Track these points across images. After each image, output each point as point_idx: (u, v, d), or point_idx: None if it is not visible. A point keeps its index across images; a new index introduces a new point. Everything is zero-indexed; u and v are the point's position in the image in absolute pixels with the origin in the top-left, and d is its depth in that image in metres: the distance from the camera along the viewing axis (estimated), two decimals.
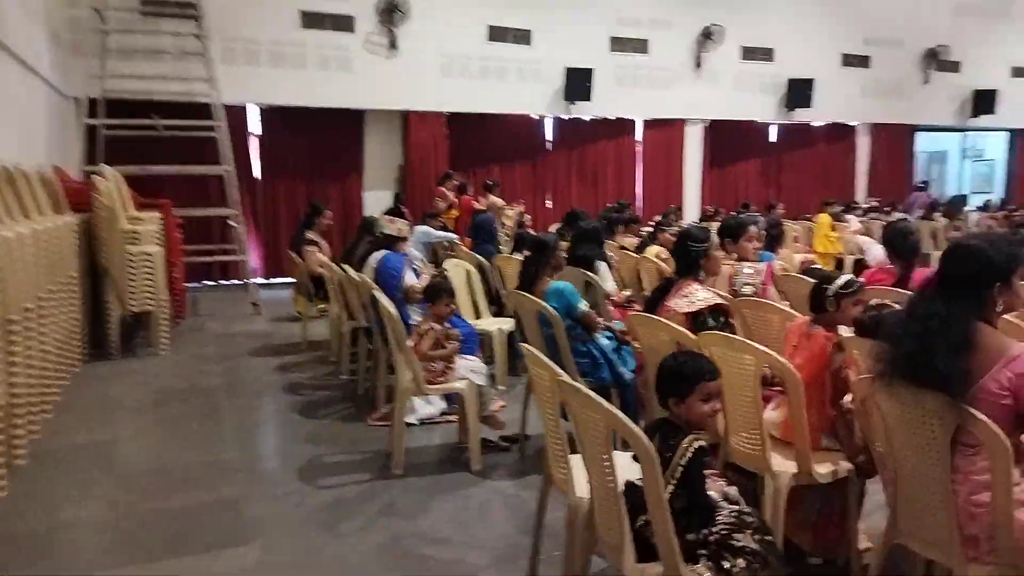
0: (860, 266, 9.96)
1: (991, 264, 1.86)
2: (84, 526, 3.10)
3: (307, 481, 3.53)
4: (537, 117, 11.40)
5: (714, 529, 1.83)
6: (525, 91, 10.98)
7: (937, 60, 13.49)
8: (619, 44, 11.47)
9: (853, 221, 10.05)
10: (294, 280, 7.23)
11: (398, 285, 4.30)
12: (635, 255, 5.78)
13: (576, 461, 2.10)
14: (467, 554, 2.81)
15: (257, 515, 3.18)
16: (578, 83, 10.86)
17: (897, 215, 11.34)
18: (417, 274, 4.57)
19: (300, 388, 5.18)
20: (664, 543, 1.72)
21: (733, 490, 2.01)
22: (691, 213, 11.86)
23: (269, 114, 10.16)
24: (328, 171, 10.46)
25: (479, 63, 10.70)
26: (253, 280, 8.82)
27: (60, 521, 3.12)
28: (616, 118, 11.75)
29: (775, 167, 13.17)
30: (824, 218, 9.47)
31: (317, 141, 10.32)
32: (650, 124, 12.03)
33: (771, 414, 2.61)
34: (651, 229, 7.38)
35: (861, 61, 13.14)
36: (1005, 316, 2.11)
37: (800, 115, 12.69)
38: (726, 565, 1.77)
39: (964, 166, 16.04)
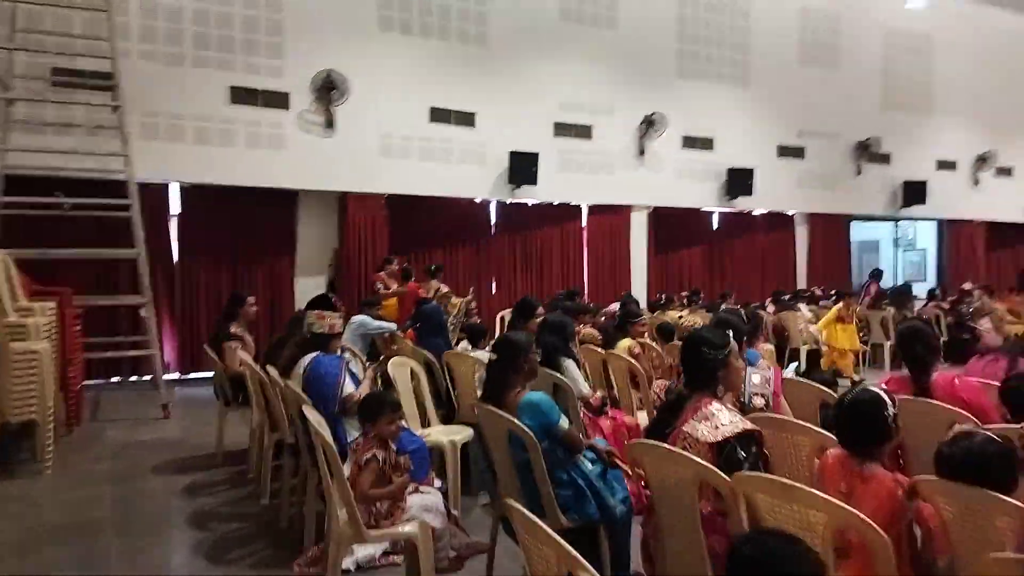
0: (814, 358, 9.76)
1: None
2: None
3: None
4: (480, 201, 10.98)
5: None
6: (468, 174, 10.59)
7: (868, 152, 13.89)
8: (563, 129, 11.29)
9: (804, 311, 9.84)
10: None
11: (333, 395, 3.57)
12: (599, 350, 5.21)
13: None
14: None
15: None
16: (523, 167, 10.55)
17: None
18: (357, 380, 3.84)
19: (210, 520, 4.27)
20: None
21: None
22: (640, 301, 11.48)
23: (192, 193, 9.40)
24: (256, 254, 9.67)
25: (420, 144, 10.28)
26: (164, 377, 7.81)
27: None
28: (561, 203, 11.44)
29: (718, 254, 13.07)
30: (833, 311, 9.23)
31: (244, 222, 9.58)
32: (595, 209, 11.77)
33: None
34: (607, 319, 6.89)
35: (796, 152, 13.38)
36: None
37: (740, 203, 12.70)
38: None
39: (896, 255, 16.40)
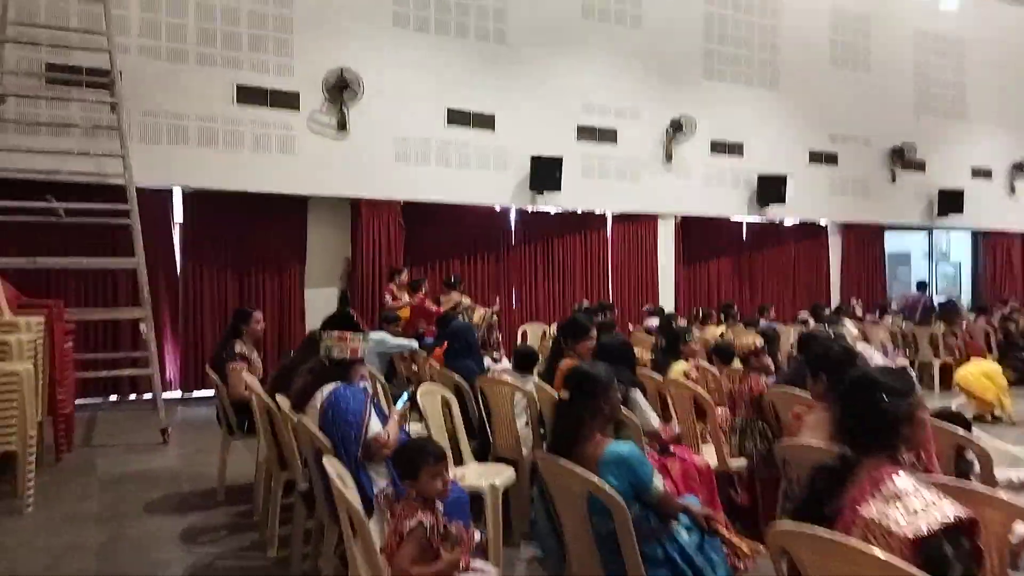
0: None
1: None
2: None
3: None
4: (500, 208, 10.38)
5: None
6: (488, 180, 10.00)
7: (903, 159, 13.25)
8: (586, 133, 10.69)
9: (850, 327, 9.17)
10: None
11: (357, 437, 2.94)
12: (655, 376, 4.57)
13: None
14: None
15: None
16: (546, 172, 9.94)
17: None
18: (383, 415, 3.21)
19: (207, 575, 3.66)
20: None
21: None
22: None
23: (196, 199, 8.82)
24: (264, 265, 9.08)
25: (437, 148, 9.70)
26: (165, 395, 7.20)
27: None
28: (585, 211, 10.83)
29: (748, 266, 12.43)
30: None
31: (252, 230, 9.00)
32: (620, 218, 11.16)
33: None
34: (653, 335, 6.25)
35: (829, 158, 12.75)
36: None
37: (771, 212, 12.07)
38: None
39: (929, 267, 15.72)
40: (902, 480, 1.66)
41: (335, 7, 9.13)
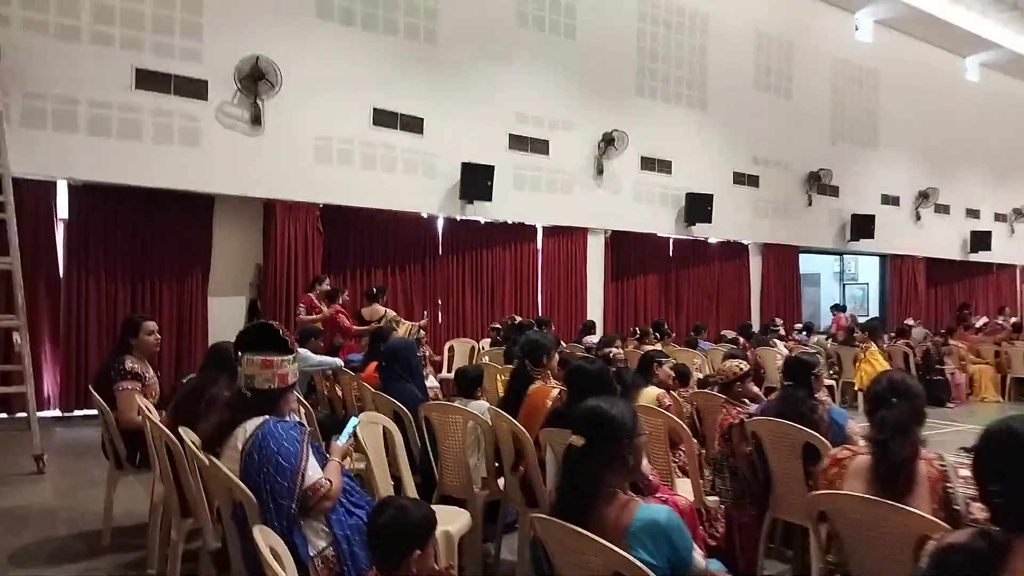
0: None
1: None
2: None
3: None
4: (427, 216, 9.80)
5: None
6: (415, 186, 9.41)
7: (819, 183, 13.57)
8: (518, 142, 10.29)
9: (780, 346, 9.12)
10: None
11: (291, 488, 2.32)
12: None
13: None
14: None
15: None
16: (476, 181, 9.46)
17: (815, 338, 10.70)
18: (321, 455, 2.59)
19: None
20: None
21: None
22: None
23: (84, 193, 7.80)
24: (162, 269, 8.14)
25: (362, 150, 9.04)
26: (40, 415, 6.21)
27: None
28: (515, 222, 10.41)
29: (674, 283, 12.33)
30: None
31: (148, 230, 8.06)
32: (551, 231, 10.80)
33: None
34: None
35: (752, 180, 12.88)
36: None
37: (699, 231, 12.03)
38: None
39: (839, 289, 16.21)
40: None
41: None
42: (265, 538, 1.87)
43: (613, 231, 11.34)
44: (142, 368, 4.17)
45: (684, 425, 3.68)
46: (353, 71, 8.99)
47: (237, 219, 8.63)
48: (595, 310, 11.12)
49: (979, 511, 1.88)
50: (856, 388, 9.21)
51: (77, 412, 7.62)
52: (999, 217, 17.05)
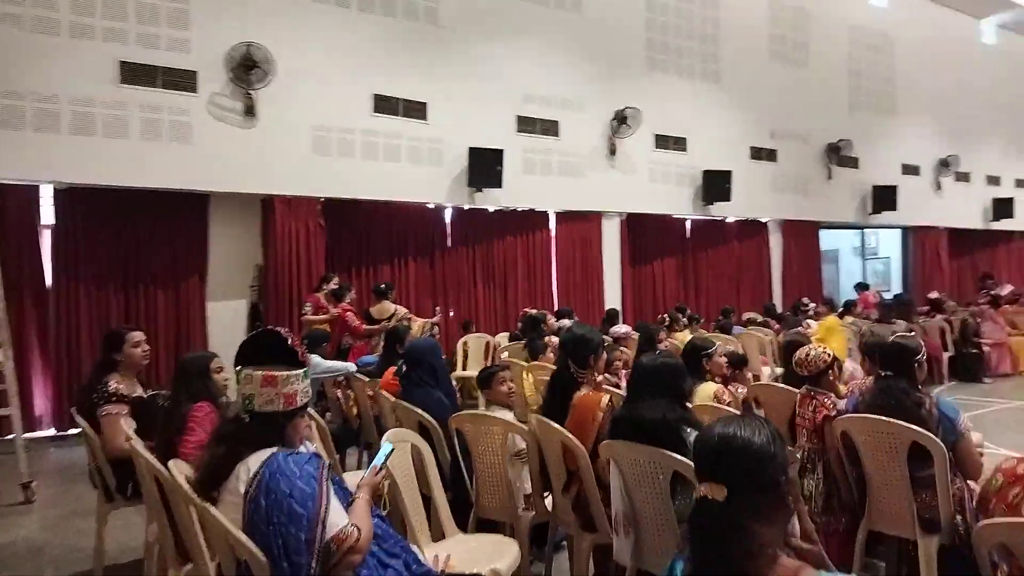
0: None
1: None
2: None
3: None
4: (434, 206, 9.29)
5: None
6: (420, 175, 8.90)
7: (839, 156, 13.01)
8: (527, 124, 9.76)
9: (814, 325, 8.59)
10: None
11: (309, 539, 1.83)
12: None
13: None
14: None
15: None
16: (485, 167, 8.94)
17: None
18: (346, 495, 2.09)
19: None
20: None
21: None
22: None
23: (70, 197, 7.31)
24: (156, 275, 7.65)
25: (363, 139, 8.52)
26: (30, 436, 5.75)
27: None
28: (526, 209, 9.89)
29: (691, 265, 11.81)
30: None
31: (140, 234, 7.58)
32: (563, 217, 10.28)
33: None
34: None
35: (769, 155, 12.33)
36: None
37: (716, 210, 11.50)
38: None
39: (858, 264, 15.66)
40: None
41: None
42: None
43: (629, 214, 10.82)
44: (129, 387, 3.68)
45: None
46: (351, 56, 8.47)
47: (234, 218, 8.13)
48: (613, 298, 10.62)
49: None
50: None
51: (72, 431, 7.14)
52: (1020, 183, 16.46)
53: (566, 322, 7.26)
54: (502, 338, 8.47)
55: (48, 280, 7.26)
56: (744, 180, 11.68)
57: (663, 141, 11.03)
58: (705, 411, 3.27)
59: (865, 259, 15.41)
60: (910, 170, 14.31)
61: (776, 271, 12.67)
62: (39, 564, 3.97)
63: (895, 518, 2.87)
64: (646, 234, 11.12)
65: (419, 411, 3.51)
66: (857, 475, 2.98)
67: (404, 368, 3.82)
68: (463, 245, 9.54)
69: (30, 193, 7.15)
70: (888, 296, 13.18)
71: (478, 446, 3.24)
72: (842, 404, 3.10)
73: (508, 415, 3.42)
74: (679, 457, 2.38)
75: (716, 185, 11.21)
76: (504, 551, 2.73)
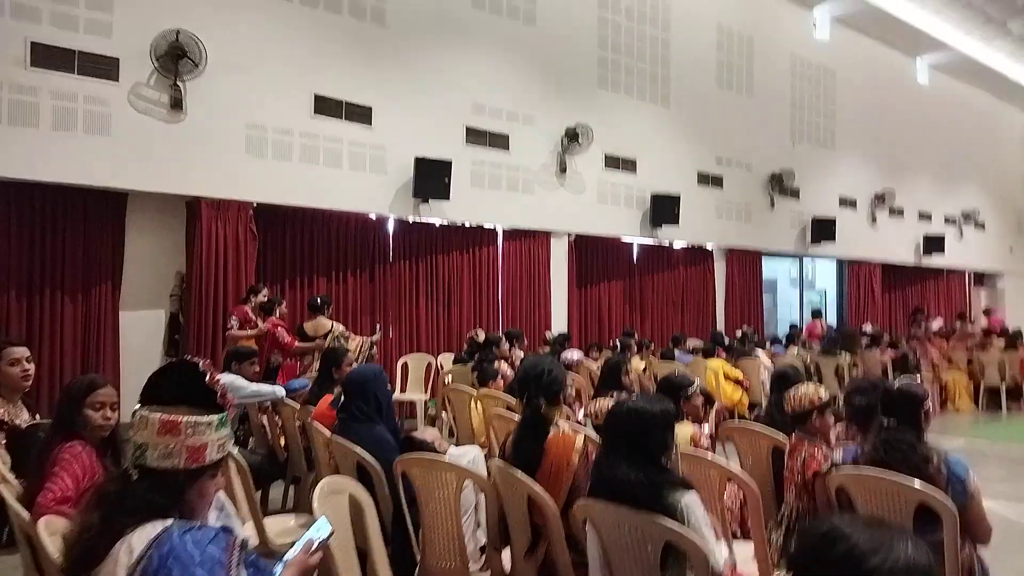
0: None
1: None
2: None
3: None
4: (376, 217, 8.79)
5: None
6: (362, 183, 8.40)
7: (781, 185, 13.12)
8: (476, 136, 9.39)
9: (763, 358, 8.47)
10: None
11: None
12: None
13: None
14: None
15: None
16: (432, 178, 8.51)
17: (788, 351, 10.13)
18: (263, 571, 1.63)
19: None
20: None
21: None
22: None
23: None
24: (64, 279, 6.89)
25: (302, 142, 7.98)
26: None
27: None
28: (473, 225, 9.49)
29: (638, 290, 11.62)
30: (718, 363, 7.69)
31: (47, 234, 6.82)
32: (511, 234, 9.92)
33: None
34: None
35: (716, 181, 12.31)
36: None
37: (663, 233, 11.36)
38: None
39: (795, 294, 15.85)
40: None
41: None
42: None
43: (577, 234, 10.55)
44: (9, 412, 3.08)
45: (745, 476, 2.82)
46: (291, 51, 7.94)
47: (155, 220, 7.45)
48: (560, 320, 10.30)
49: None
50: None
51: None
52: (949, 220, 17.04)
53: (519, 353, 6.86)
54: (445, 359, 8.01)
55: None
56: (691, 205, 11.59)
57: (613, 161, 10.84)
58: (686, 460, 2.91)
59: (802, 290, 15.58)
60: (847, 203, 14.59)
61: (720, 298, 12.62)
62: None
63: None
64: (594, 255, 10.88)
65: (358, 450, 3.03)
66: None
67: (342, 398, 3.34)
68: (406, 259, 9.05)
69: None
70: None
71: (427, 495, 2.79)
72: (838, 456, 2.79)
73: (469, 451, 2.98)
74: (674, 525, 2.00)
75: (664, 209, 11.07)
76: None
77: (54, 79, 6.62)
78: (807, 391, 3.02)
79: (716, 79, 12.42)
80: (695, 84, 12.01)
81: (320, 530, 1.79)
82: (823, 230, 13.59)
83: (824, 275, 15.98)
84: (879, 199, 15.05)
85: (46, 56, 6.58)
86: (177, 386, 1.73)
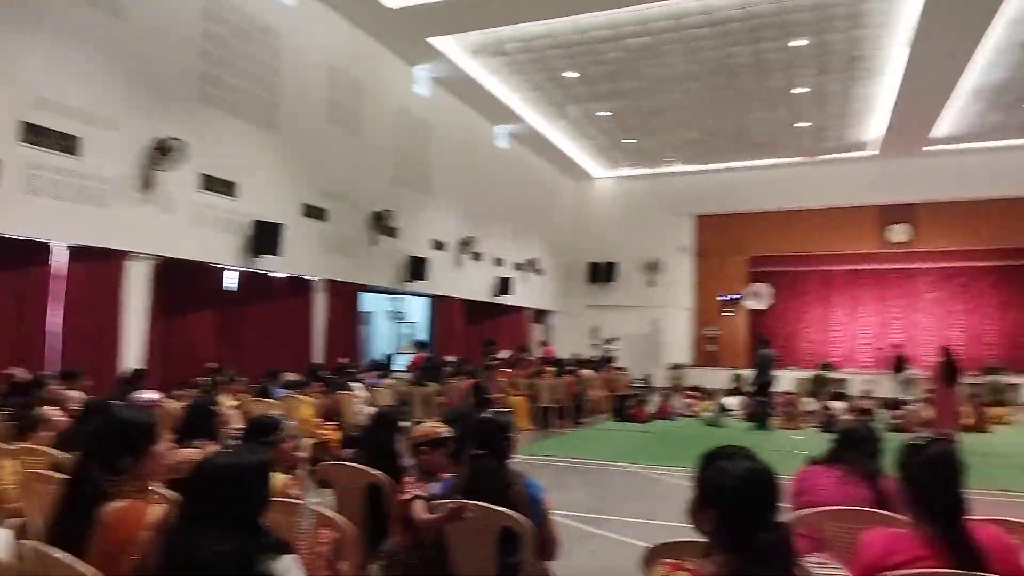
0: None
1: None
2: None
3: None
4: None
5: None
6: None
7: (381, 224, 13.71)
8: (36, 134, 7.85)
9: (359, 390, 8.60)
10: None
11: None
12: None
13: None
14: None
15: None
16: None
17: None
18: None
19: None
20: None
21: None
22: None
23: None
24: None
25: None
26: None
27: None
28: (24, 239, 7.85)
29: (234, 321, 10.90)
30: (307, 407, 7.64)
31: None
32: (78, 253, 8.45)
33: None
34: None
35: (320, 214, 12.31)
36: None
37: (264, 263, 10.90)
38: None
39: (390, 327, 16.64)
40: None
41: None
42: None
43: (165, 257, 9.47)
44: None
45: (339, 515, 2.71)
46: None
47: None
48: (134, 354, 9.05)
49: None
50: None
51: None
52: (517, 266, 19.75)
53: (75, 394, 5.72)
54: None
55: None
56: (295, 236, 11.36)
57: (211, 183, 10.06)
58: (276, 509, 2.70)
59: (397, 323, 16.44)
60: (438, 245, 15.89)
61: (319, 331, 12.55)
62: None
63: None
64: (184, 282, 9.88)
65: None
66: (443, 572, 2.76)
67: None
68: None
69: None
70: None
71: None
72: (438, 488, 2.87)
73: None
74: None
75: (267, 237, 10.64)
76: None
77: None
78: (426, 426, 3.08)
79: (326, 114, 12.49)
80: (305, 115, 11.91)
81: None
82: (417, 268, 14.56)
83: (416, 309, 17.09)
84: (464, 244, 16.73)
85: None
86: None
